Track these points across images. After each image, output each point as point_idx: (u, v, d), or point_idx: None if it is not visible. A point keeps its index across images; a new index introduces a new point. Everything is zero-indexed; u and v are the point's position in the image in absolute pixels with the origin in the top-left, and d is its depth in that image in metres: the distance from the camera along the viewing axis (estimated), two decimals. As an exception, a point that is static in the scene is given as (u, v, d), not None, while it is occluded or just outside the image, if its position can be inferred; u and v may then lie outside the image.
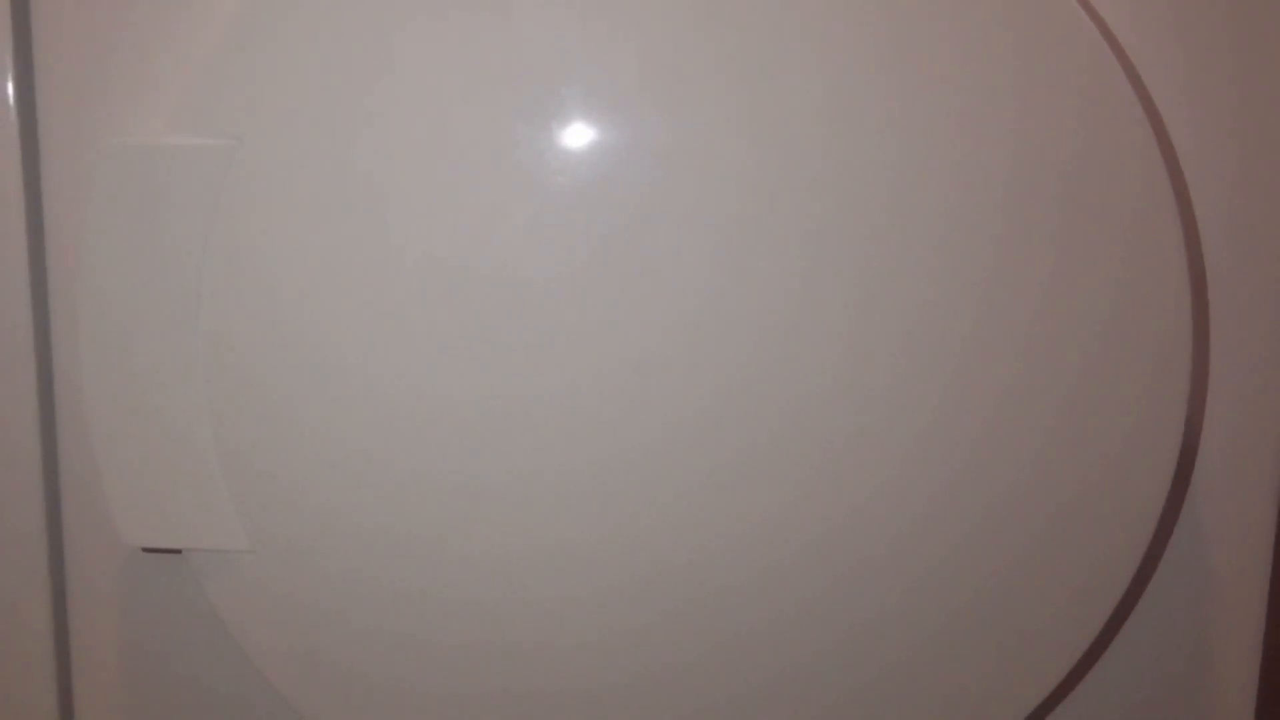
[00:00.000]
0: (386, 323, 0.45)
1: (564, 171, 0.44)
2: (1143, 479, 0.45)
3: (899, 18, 0.43)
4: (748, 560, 0.46)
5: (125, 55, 0.47)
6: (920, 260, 0.44)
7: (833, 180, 0.43)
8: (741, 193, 0.44)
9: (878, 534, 0.46)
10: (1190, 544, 0.50)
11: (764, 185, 0.44)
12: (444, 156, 0.44)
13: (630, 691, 0.47)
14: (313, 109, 0.44)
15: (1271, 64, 0.46)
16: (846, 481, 0.45)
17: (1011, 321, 0.44)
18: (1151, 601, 0.51)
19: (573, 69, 0.43)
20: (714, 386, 0.45)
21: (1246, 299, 0.48)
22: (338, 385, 0.45)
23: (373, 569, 0.47)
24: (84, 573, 0.52)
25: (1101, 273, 0.44)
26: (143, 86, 0.47)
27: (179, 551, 0.48)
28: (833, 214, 0.44)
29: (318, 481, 0.46)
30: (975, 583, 0.46)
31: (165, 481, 0.46)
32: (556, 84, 0.43)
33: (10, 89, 0.48)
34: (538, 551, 0.46)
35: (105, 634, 0.52)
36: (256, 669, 0.49)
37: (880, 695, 0.47)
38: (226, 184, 0.44)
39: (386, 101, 0.43)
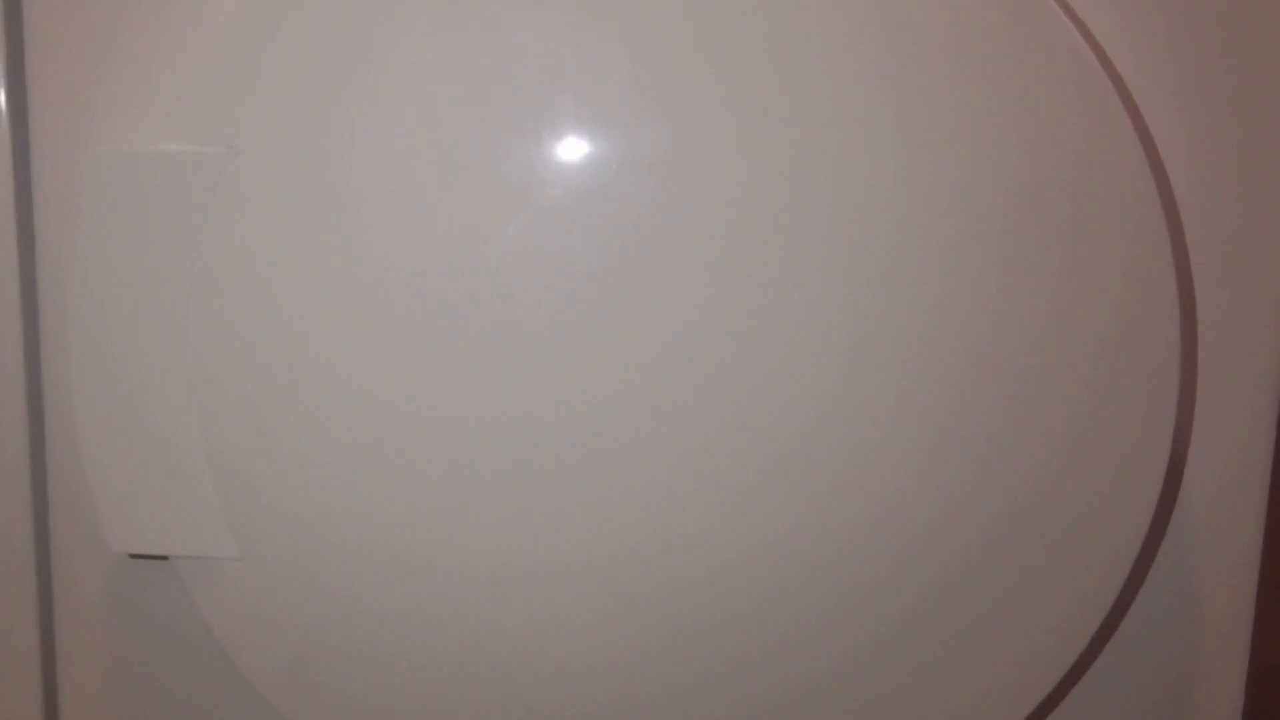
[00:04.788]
0: (377, 333, 0.45)
1: (557, 183, 0.44)
2: (1131, 490, 0.45)
3: (893, 32, 0.43)
4: (747, 577, 0.46)
5: (117, 63, 0.47)
6: (913, 274, 0.44)
7: (829, 191, 0.44)
8: (737, 205, 0.44)
9: (875, 549, 0.46)
10: (1178, 556, 0.50)
11: (759, 197, 0.44)
12: (436, 167, 0.44)
13: (626, 708, 0.47)
14: (305, 118, 0.44)
15: (1260, 75, 0.47)
16: (847, 496, 0.45)
17: (1003, 335, 0.44)
18: (1138, 614, 0.51)
19: (566, 80, 0.43)
20: (711, 402, 0.45)
21: (1235, 311, 0.48)
22: (327, 394, 0.45)
23: (361, 578, 0.47)
24: (71, 578, 0.52)
25: (1090, 286, 0.44)
26: (135, 94, 0.48)
27: (166, 558, 0.48)
28: (830, 225, 0.44)
29: (306, 490, 0.46)
30: (967, 594, 0.46)
31: (154, 488, 0.46)
32: (549, 95, 0.43)
33: (2, 95, 0.48)
34: (528, 566, 0.46)
35: (92, 640, 0.52)
36: (244, 677, 0.48)
37: (876, 706, 0.47)
38: (218, 192, 0.44)
39: (379, 111, 0.43)
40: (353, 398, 0.45)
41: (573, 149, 0.44)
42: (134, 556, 0.50)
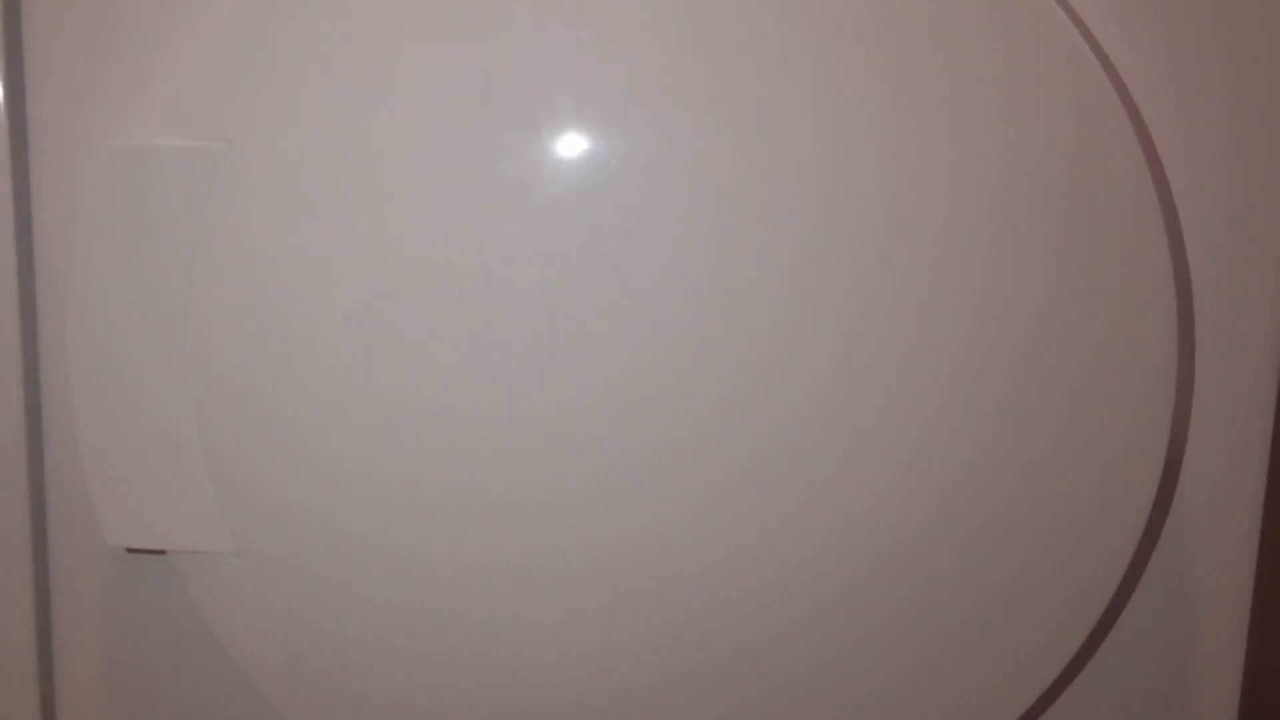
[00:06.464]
0: (374, 328, 0.45)
1: (555, 180, 0.44)
2: (1128, 489, 0.45)
3: (891, 31, 0.43)
4: (743, 575, 0.46)
5: (116, 57, 0.47)
6: (911, 272, 0.44)
7: (827, 187, 0.44)
8: (735, 203, 0.44)
9: (871, 546, 0.46)
10: (1174, 555, 0.50)
11: (757, 196, 0.44)
12: (434, 163, 0.44)
13: (622, 705, 0.47)
14: (304, 112, 0.44)
15: (1258, 75, 0.47)
16: (844, 493, 0.45)
17: (1000, 333, 0.44)
18: (1134, 613, 0.51)
19: (565, 77, 0.43)
20: (708, 400, 0.45)
21: (1232, 310, 0.48)
22: (324, 390, 0.45)
23: (357, 575, 0.47)
24: (68, 574, 0.52)
25: (1088, 284, 0.44)
26: (133, 88, 0.48)
27: (163, 553, 0.48)
28: (827, 223, 0.44)
29: (302, 485, 0.46)
30: (963, 591, 0.46)
31: (150, 482, 0.46)
32: (549, 92, 0.43)
33: (0, 90, 0.48)
34: (524, 563, 0.46)
35: (88, 634, 0.52)
36: (240, 672, 0.49)
37: (872, 703, 0.47)
38: (216, 187, 0.44)
39: (378, 106, 0.43)
40: (350, 393, 0.45)
41: (571, 146, 0.44)
42: (131, 551, 0.51)
